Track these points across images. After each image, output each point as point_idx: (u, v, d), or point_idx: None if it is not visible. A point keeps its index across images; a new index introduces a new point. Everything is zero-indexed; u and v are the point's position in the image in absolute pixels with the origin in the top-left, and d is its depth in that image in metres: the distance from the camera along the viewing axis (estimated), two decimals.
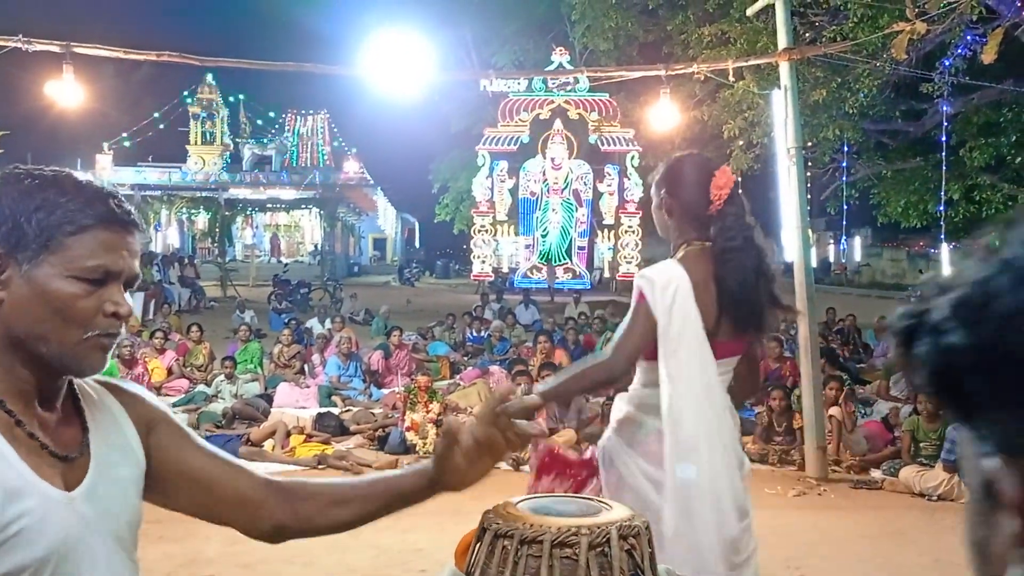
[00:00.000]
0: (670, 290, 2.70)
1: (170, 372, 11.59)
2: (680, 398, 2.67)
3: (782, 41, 8.64)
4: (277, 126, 43.48)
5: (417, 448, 8.67)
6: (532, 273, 27.45)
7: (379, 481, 1.60)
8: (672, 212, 2.89)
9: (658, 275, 2.75)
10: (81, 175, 1.33)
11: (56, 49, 8.29)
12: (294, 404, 10.44)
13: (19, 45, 7.97)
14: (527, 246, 28.04)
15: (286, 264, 33.49)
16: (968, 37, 14.09)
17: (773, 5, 8.78)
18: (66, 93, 8.67)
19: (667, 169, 2.93)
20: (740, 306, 2.72)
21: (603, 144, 26.42)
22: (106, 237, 1.29)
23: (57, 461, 1.29)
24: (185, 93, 39.81)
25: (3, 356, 1.28)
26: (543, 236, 27.89)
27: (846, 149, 18.40)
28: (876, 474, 8.05)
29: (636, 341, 2.73)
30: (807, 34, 14.71)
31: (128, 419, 1.43)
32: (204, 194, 35.83)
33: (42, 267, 1.26)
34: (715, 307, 2.73)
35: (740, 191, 2.87)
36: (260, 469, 1.63)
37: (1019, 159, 15.82)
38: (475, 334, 15.88)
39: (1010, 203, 16.62)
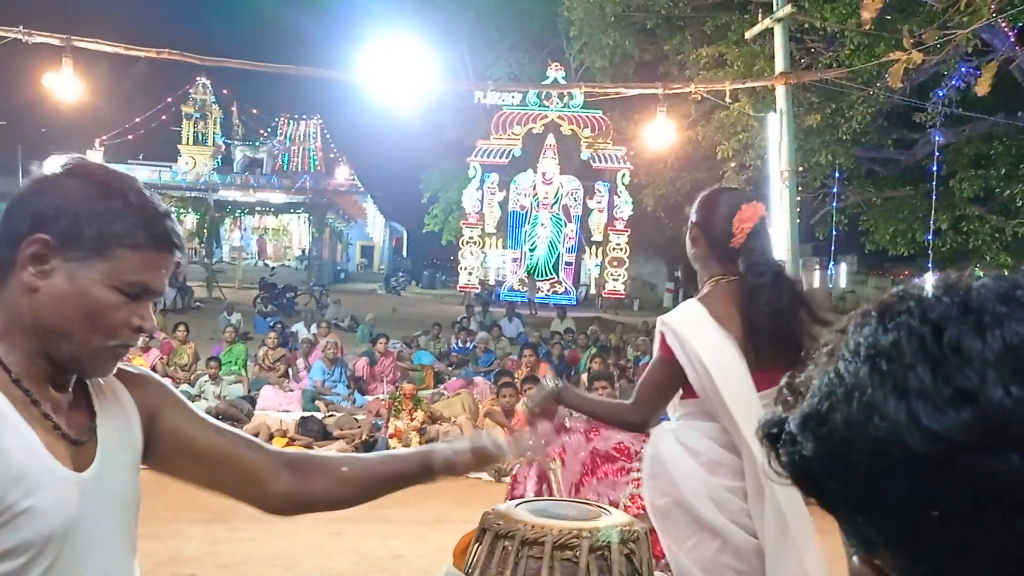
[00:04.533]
0: (691, 335, 2.65)
1: (153, 370, 11.48)
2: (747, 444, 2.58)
3: (779, 65, 8.72)
4: (270, 129, 43.41)
5: None
6: (518, 286, 27.48)
7: (383, 463, 1.66)
8: (698, 243, 2.86)
9: (679, 320, 2.71)
10: (144, 188, 1.34)
11: (56, 42, 8.28)
12: (277, 407, 10.40)
13: (19, 36, 7.96)
14: (514, 259, 28.05)
15: (273, 267, 33.36)
16: (963, 69, 14.22)
17: (771, 30, 8.87)
18: (64, 86, 8.65)
19: (700, 201, 2.90)
20: (776, 339, 2.67)
21: (595, 161, 26.49)
22: (154, 257, 1.31)
23: (68, 444, 1.30)
24: (179, 93, 39.74)
25: (26, 341, 1.29)
26: (531, 250, 27.91)
27: (837, 175, 18.49)
28: None
29: (658, 395, 2.72)
30: (803, 59, 14.82)
31: (133, 404, 1.45)
32: (194, 194, 35.67)
33: (89, 271, 1.27)
34: (743, 340, 2.68)
35: (767, 225, 2.85)
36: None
37: (1008, 191, 15.93)
38: (460, 345, 15.87)
39: (997, 235, 16.75)
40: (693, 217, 2.88)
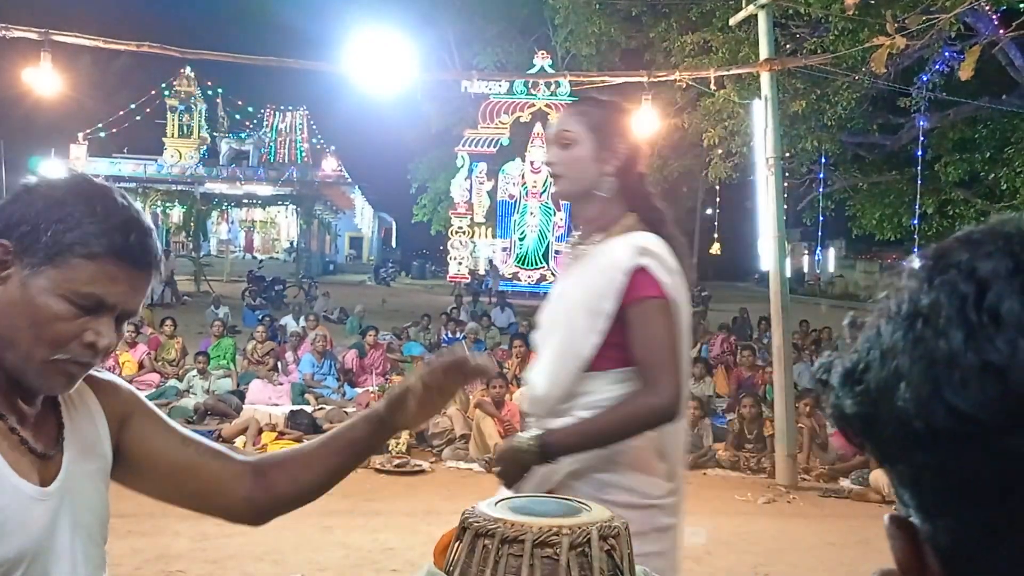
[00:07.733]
0: None
1: (141, 366, 11.47)
2: None
3: (764, 52, 8.71)
4: (255, 121, 43.21)
5: (389, 447, 8.65)
6: (510, 276, 27.46)
7: (334, 437, 1.58)
8: None
9: None
10: (122, 198, 1.29)
11: (34, 36, 8.20)
12: (266, 401, 10.36)
13: None
14: (504, 249, 28.04)
15: (261, 260, 33.28)
16: (946, 53, 14.25)
17: (756, 16, 8.85)
18: (43, 81, 8.56)
19: None
20: None
21: None
22: (112, 270, 1.25)
23: (35, 458, 1.27)
24: (163, 85, 39.51)
25: None
26: (520, 239, 27.91)
27: (823, 161, 18.54)
28: (845, 483, 8.13)
29: None
30: (788, 45, 14.82)
31: (101, 411, 1.41)
32: (180, 187, 35.48)
33: (40, 278, 1.22)
34: None
35: None
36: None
37: (992, 175, 15.99)
38: (450, 336, 15.86)
39: (982, 218, 16.70)
40: None
